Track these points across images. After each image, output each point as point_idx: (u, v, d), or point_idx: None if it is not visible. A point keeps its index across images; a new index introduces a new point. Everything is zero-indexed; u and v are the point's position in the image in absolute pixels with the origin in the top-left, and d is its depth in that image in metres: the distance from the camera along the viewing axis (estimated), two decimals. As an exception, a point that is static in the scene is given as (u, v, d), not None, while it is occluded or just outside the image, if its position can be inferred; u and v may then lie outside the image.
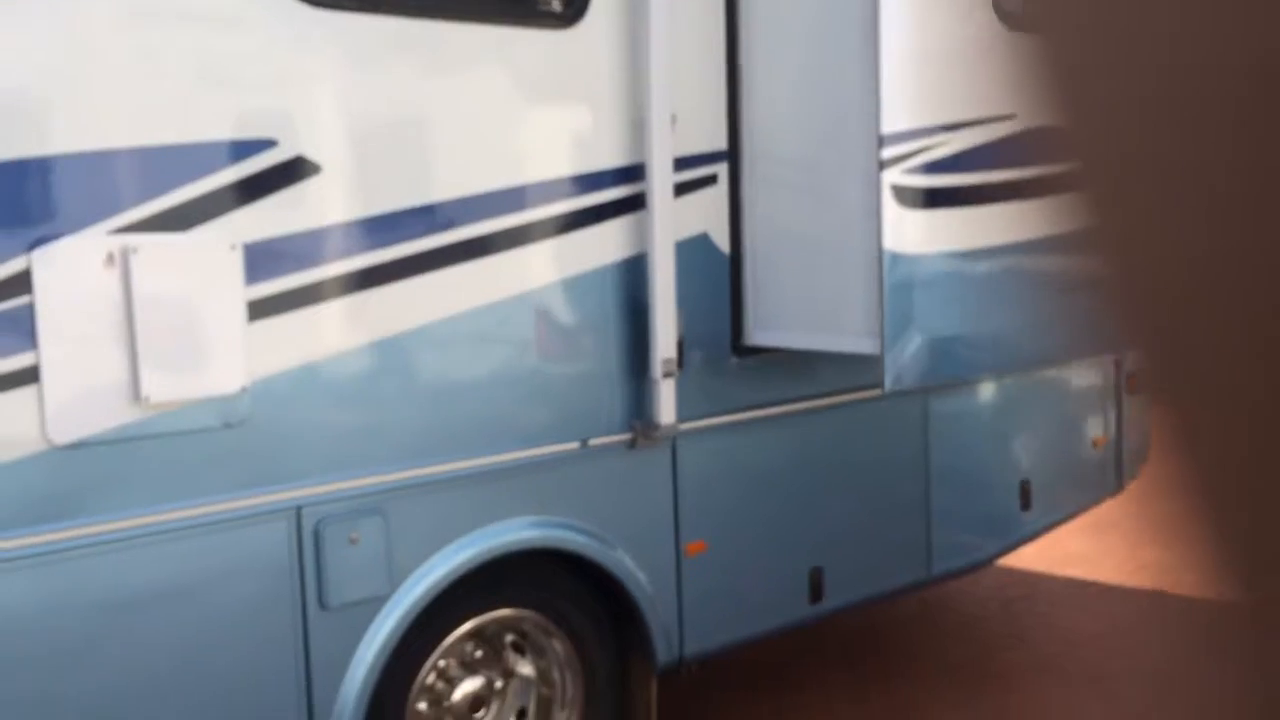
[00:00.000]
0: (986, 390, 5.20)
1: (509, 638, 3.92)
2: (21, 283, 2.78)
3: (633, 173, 3.85)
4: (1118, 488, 5.92)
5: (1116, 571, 6.29)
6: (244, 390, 3.11)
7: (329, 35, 3.25)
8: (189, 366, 3.03)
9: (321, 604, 3.29)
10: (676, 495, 4.08)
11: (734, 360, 4.21)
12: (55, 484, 2.87)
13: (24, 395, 2.80)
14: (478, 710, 3.84)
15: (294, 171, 3.18)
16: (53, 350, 2.82)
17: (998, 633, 5.76)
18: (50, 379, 2.82)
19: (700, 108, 4.02)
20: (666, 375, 3.90)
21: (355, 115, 3.31)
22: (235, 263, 3.08)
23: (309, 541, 3.26)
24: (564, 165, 3.73)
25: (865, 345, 3.80)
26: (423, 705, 3.69)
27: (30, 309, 2.80)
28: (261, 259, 3.13)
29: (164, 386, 2.97)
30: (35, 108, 2.82)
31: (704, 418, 4.11)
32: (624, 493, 3.95)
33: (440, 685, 3.76)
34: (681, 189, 3.96)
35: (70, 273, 2.85)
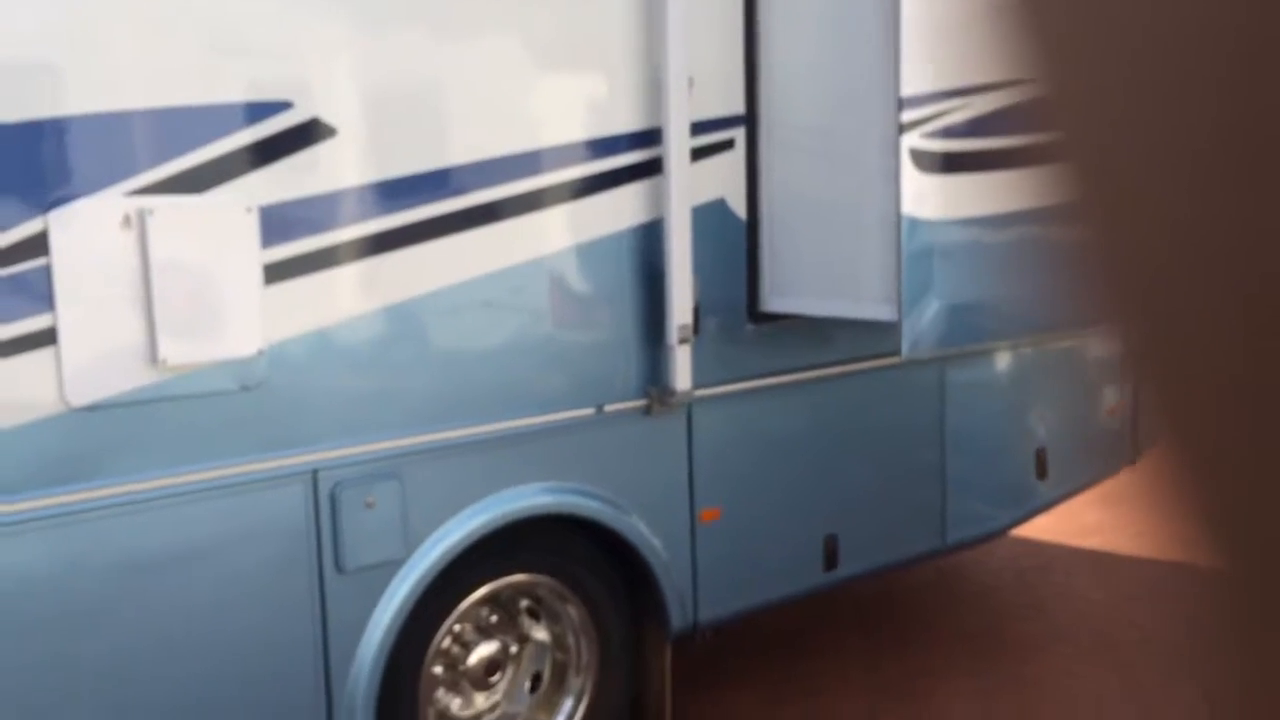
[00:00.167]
0: (1002, 358, 5.17)
1: (524, 603, 3.93)
2: (38, 244, 2.78)
3: (649, 137, 3.83)
4: (1134, 458, 5.90)
5: (1132, 542, 6.28)
6: (260, 353, 3.11)
7: (344, -4, 3.23)
8: (206, 329, 3.03)
9: (338, 567, 3.30)
10: (691, 462, 4.08)
11: (750, 327, 4.19)
12: (73, 446, 2.87)
13: (42, 357, 2.80)
14: (493, 674, 3.86)
15: (309, 134, 3.17)
16: (70, 312, 2.82)
17: (1012, 602, 5.76)
18: (67, 341, 2.83)
19: (717, 71, 3.99)
20: (682, 341, 3.89)
21: (370, 78, 3.30)
22: (251, 225, 3.07)
23: (325, 505, 3.26)
24: (579, 129, 3.71)
25: (882, 311, 3.78)
26: (438, 669, 3.71)
27: (47, 271, 2.80)
28: (277, 222, 3.12)
29: (181, 349, 2.98)
30: (51, 69, 2.81)
31: (719, 384, 4.10)
32: (639, 459, 3.95)
33: (456, 650, 3.78)
34: (698, 154, 3.93)
35: (87, 234, 2.85)
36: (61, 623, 2.88)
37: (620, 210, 3.80)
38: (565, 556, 3.90)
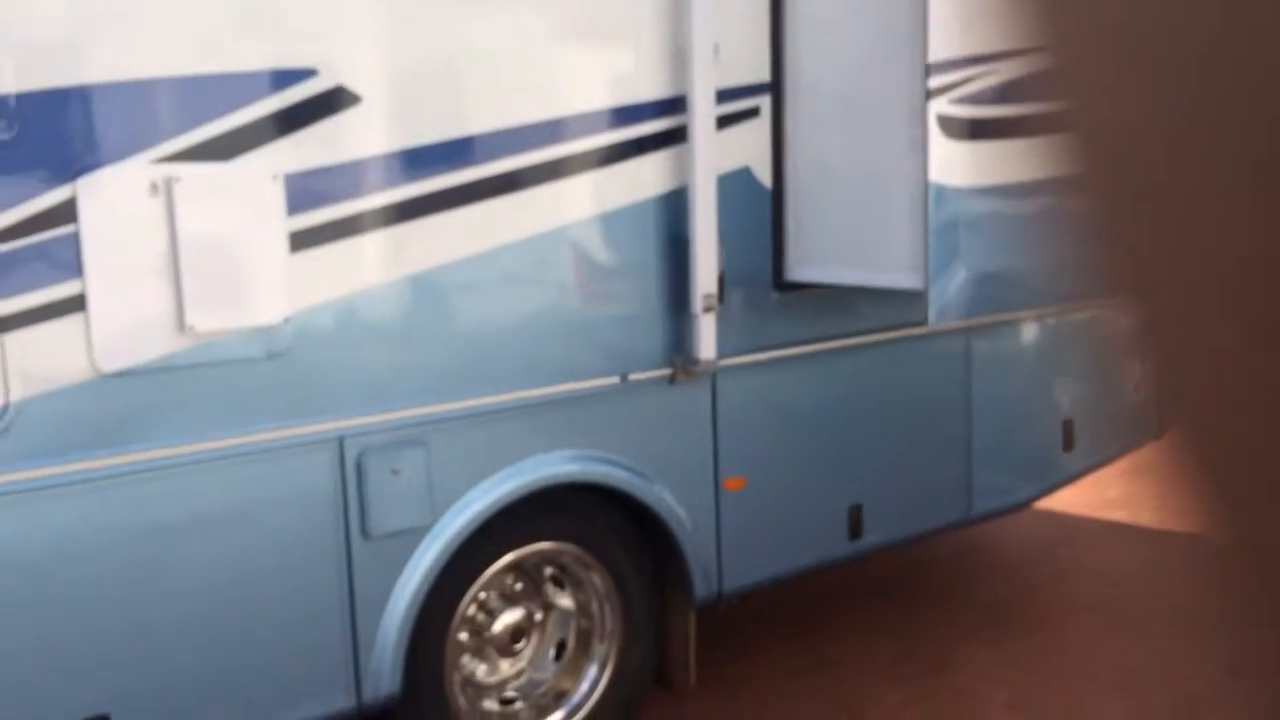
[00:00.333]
0: (1029, 328, 5.14)
1: (548, 571, 3.95)
2: (67, 212, 2.80)
3: (674, 105, 3.81)
4: (1158, 432, 5.86)
5: (1156, 515, 6.25)
6: (287, 321, 3.13)
7: (369, -37, 3.22)
8: (232, 297, 3.05)
9: (364, 533, 3.32)
10: (716, 431, 4.08)
11: (775, 296, 4.18)
12: (104, 411, 2.90)
13: (72, 323, 2.83)
14: (518, 641, 3.88)
15: (334, 102, 3.17)
16: (98, 279, 2.84)
17: (1037, 574, 5.74)
18: (97, 307, 2.84)
19: (743, 38, 3.96)
20: (707, 310, 3.88)
21: (394, 45, 3.29)
22: (277, 193, 3.08)
23: (351, 472, 3.28)
24: (604, 97, 3.69)
25: (909, 280, 3.75)
26: (464, 636, 3.73)
27: (76, 238, 2.81)
28: (302, 190, 3.12)
29: (208, 316, 2.99)
30: (78, 37, 2.81)
31: (744, 354, 4.10)
32: (663, 428, 3.95)
33: (481, 617, 3.80)
34: (723, 122, 3.91)
35: (114, 202, 2.86)
36: (91, 586, 2.91)
37: (645, 179, 3.79)
38: (589, 525, 3.91)
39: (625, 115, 3.73)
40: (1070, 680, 4.52)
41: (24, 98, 2.73)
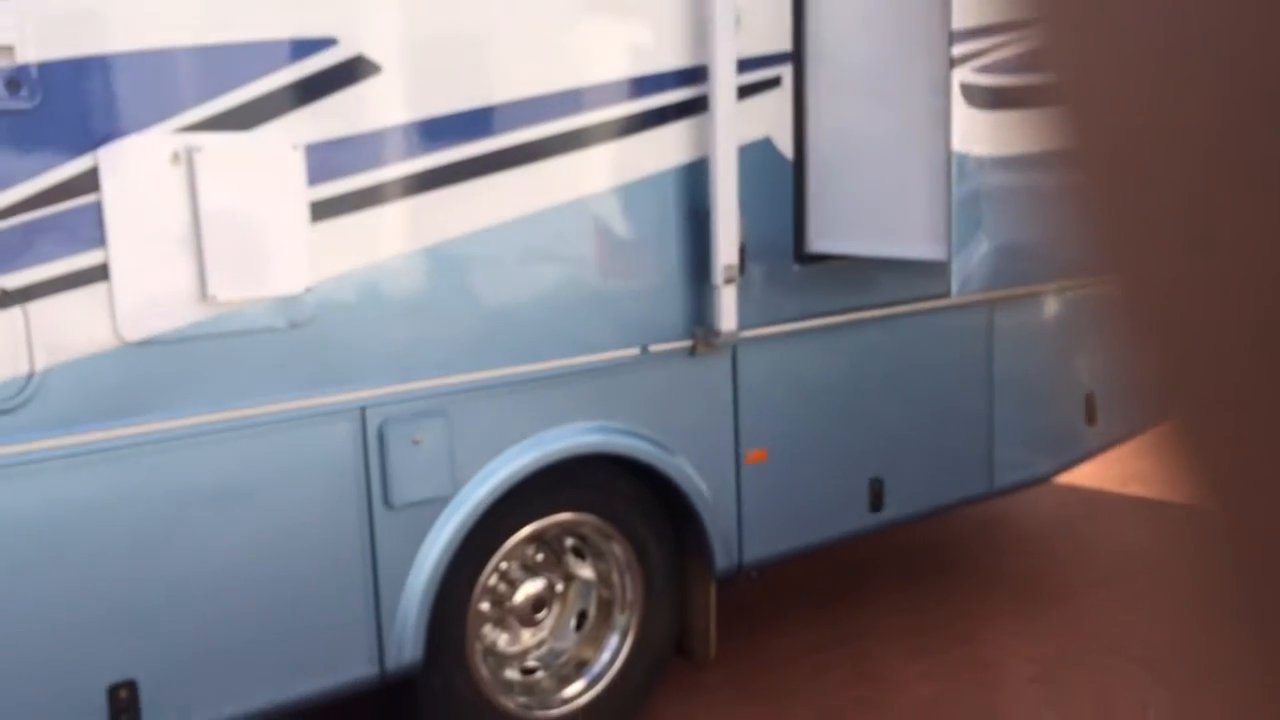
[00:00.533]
0: (1051, 301, 5.11)
1: (569, 541, 3.96)
2: (89, 181, 2.81)
3: (695, 74, 3.79)
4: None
5: (1176, 490, 6.21)
6: (308, 291, 3.13)
7: (388, -69, 3.20)
8: (254, 266, 3.05)
9: (387, 503, 3.33)
10: (737, 403, 4.07)
11: (796, 267, 4.16)
12: (128, 380, 2.91)
13: (95, 293, 2.84)
14: (539, 611, 3.90)
15: (354, 71, 3.16)
16: (121, 248, 2.85)
17: (1058, 548, 5.73)
18: (119, 277, 2.86)
19: (765, 7, 3.93)
20: (728, 282, 3.87)
21: (414, 14, 3.28)
22: (298, 162, 3.08)
23: (374, 442, 3.29)
24: (625, 67, 3.67)
25: (932, 251, 3.73)
26: (485, 605, 3.75)
27: (98, 207, 2.82)
28: (323, 159, 3.12)
29: (230, 286, 3.00)
30: (99, 6, 2.81)
31: (765, 325, 4.08)
32: (684, 400, 3.95)
33: (502, 587, 3.82)
34: (744, 92, 3.88)
35: (136, 171, 2.87)
36: (116, 554, 2.93)
37: (666, 149, 3.78)
38: (610, 496, 3.91)
39: (646, 85, 3.71)
40: (1092, 653, 4.52)
41: (46, 67, 2.74)
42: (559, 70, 3.53)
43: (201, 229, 2.94)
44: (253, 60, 3.01)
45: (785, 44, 4.00)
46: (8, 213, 2.72)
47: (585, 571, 4.00)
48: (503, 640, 3.86)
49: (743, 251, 3.93)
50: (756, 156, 3.96)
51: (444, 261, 3.39)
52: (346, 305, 3.22)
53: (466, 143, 3.36)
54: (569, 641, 3.99)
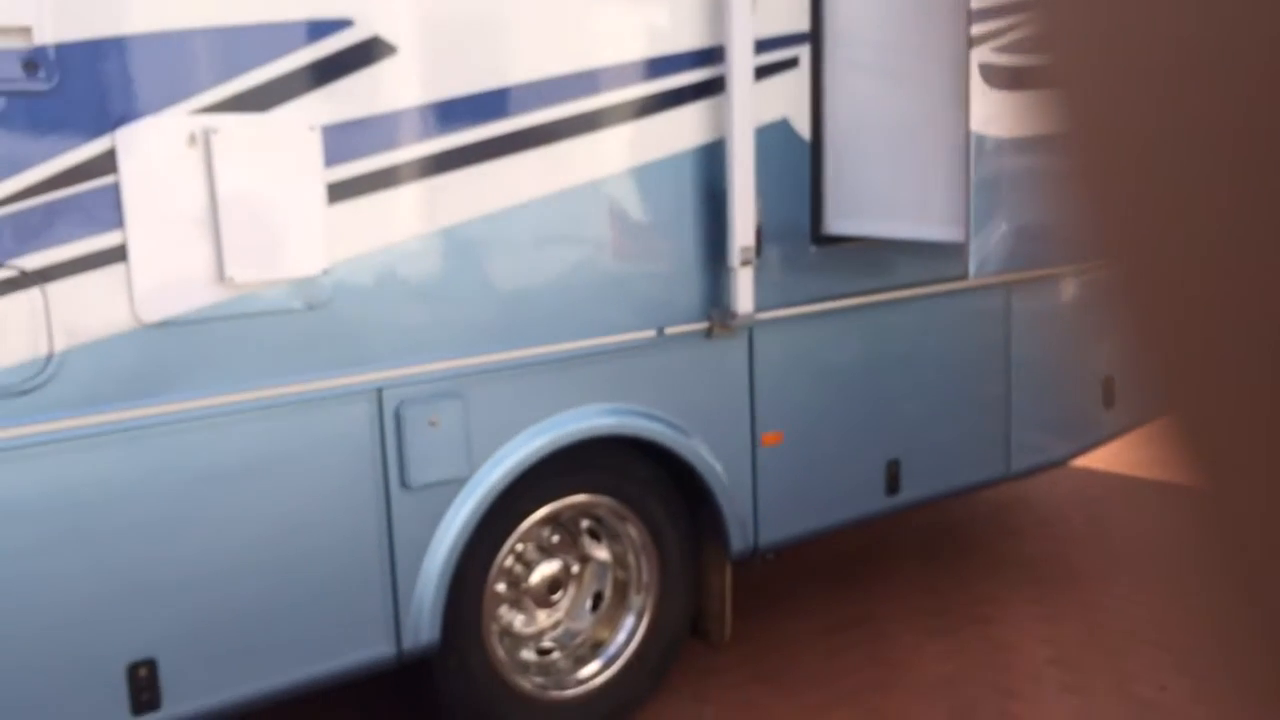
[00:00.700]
0: (1069, 284, 5.08)
1: (585, 523, 3.97)
2: (106, 162, 2.81)
3: (712, 55, 3.77)
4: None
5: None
6: (325, 272, 3.14)
7: (404, -89, 3.19)
8: (271, 248, 3.06)
9: (404, 484, 3.34)
10: (753, 385, 4.06)
11: (813, 249, 4.14)
12: (144, 361, 2.93)
13: (113, 274, 2.85)
14: (555, 592, 3.91)
15: (370, 52, 3.16)
16: (139, 230, 2.86)
17: (1075, 531, 5.71)
18: (137, 258, 2.87)
19: (782, -14, 3.90)
20: (744, 264, 3.86)
21: (431, -5, 3.27)
22: (314, 144, 3.08)
23: (390, 423, 3.30)
24: (642, 47, 3.65)
25: (950, 232, 3.71)
26: (501, 587, 3.76)
27: (116, 189, 2.83)
28: (339, 141, 3.12)
29: (247, 267, 3.01)
30: (115, -14, 2.81)
31: (782, 307, 4.07)
32: (700, 382, 3.95)
33: (518, 568, 3.83)
34: (761, 72, 3.87)
35: (153, 153, 2.87)
36: (135, 534, 2.95)
37: (683, 130, 3.76)
38: (626, 478, 3.92)
39: (663, 66, 3.69)
40: (1109, 636, 4.51)
41: (63, 49, 2.74)
42: (575, 51, 3.52)
43: (219, 210, 2.95)
44: (269, 41, 3.01)
45: (803, 24, 3.98)
46: (26, 194, 2.73)
47: (601, 553, 4.01)
48: (519, 621, 3.87)
49: (759, 233, 3.91)
50: (774, 137, 3.95)
51: (461, 243, 3.39)
52: (363, 287, 3.23)
53: (483, 124, 3.36)
54: (585, 622, 4.00)
